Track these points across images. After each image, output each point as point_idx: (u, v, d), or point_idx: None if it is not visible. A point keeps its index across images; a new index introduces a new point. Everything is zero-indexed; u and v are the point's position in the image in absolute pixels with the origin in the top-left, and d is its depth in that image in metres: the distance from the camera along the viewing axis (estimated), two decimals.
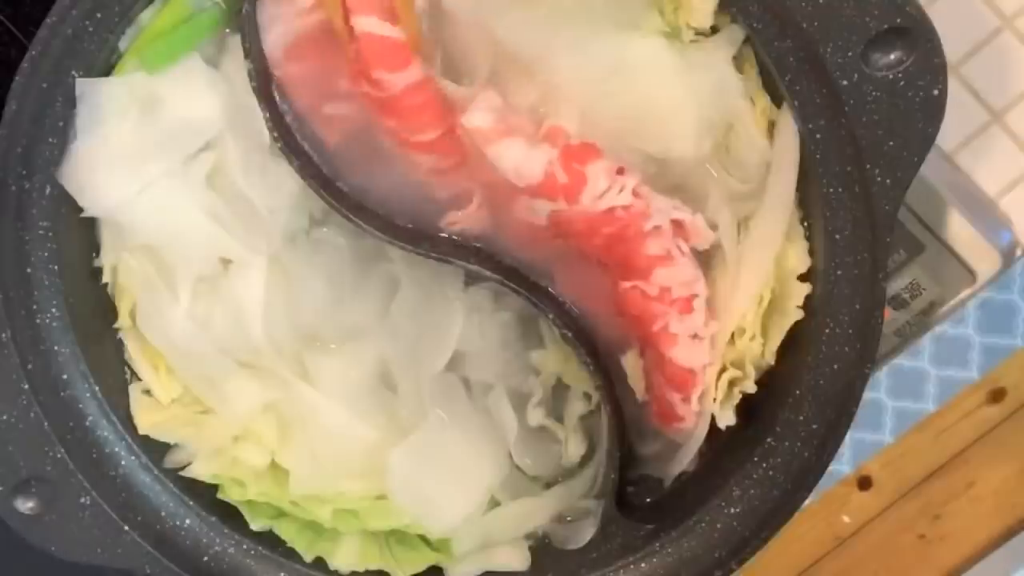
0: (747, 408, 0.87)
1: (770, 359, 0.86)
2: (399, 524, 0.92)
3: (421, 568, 0.92)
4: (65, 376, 0.87)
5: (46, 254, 0.85)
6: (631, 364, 0.88)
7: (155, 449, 0.91)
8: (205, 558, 0.90)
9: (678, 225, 0.83)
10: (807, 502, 0.85)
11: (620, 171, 0.81)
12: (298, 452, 0.91)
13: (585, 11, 0.82)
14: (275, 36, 0.83)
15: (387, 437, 0.91)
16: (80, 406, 0.88)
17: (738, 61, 0.82)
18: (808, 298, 0.83)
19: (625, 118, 0.83)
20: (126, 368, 0.91)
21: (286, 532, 0.91)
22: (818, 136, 0.79)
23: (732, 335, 0.86)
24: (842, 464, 1.25)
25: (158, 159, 0.84)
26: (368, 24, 0.80)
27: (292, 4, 0.82)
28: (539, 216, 0.84)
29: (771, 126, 0.83)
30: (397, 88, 0.81)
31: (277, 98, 0.84)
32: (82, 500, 0.87)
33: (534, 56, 0.83)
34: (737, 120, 0.83)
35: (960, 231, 0.94)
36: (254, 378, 0.90)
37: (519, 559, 0.92)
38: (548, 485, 0.93)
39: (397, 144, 0.84)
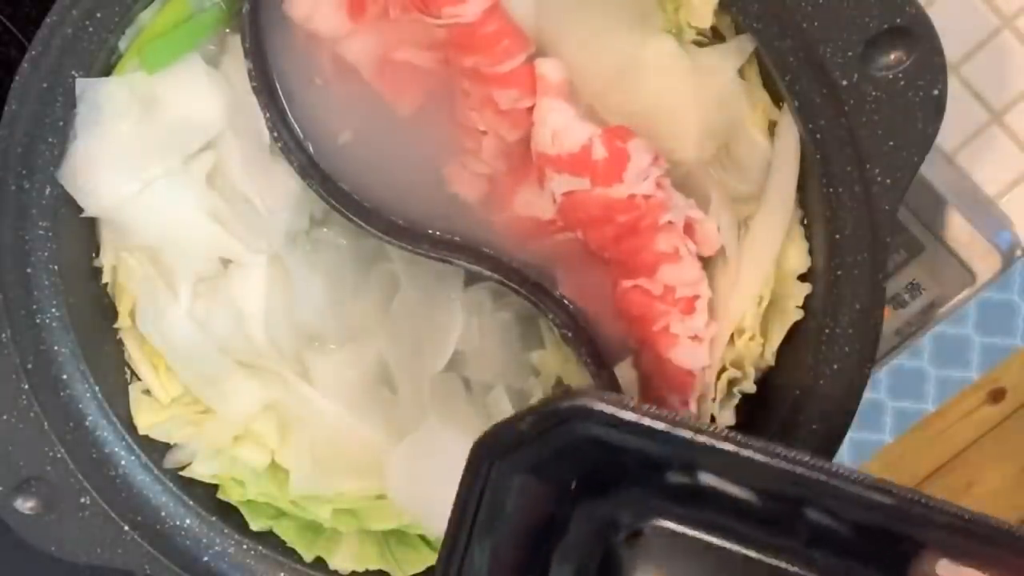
0: (747, 408, 0.87)
1: (770, 359, 0.86)
2: (399, 524, 0.92)
3: (421, 568, 0.93)
4: (65, 376, 0.88)
5: (46, 254, 0.86)
6: (625, 375, 0.88)
7: (155, 449, 0.91)
8: (205, 558, 0.91)
9: (689, 225, 0.83)
10: None
11: (656, 159, 0.82)
12: (298, 452, 0.91)
13: (601, 2, 0.83)
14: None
15: (387, 437, 0.91)
16: (80, 406, 0.88)
17: (741, 67, 0.83)
18: (808, 298, 0.84)
19: (631, 115, 0.83)
20: (126, 368, 0.91)
21: (286, 532, 0.92)
22: (818, 136, 0.79)
23: (732, 335, 0.86)
24: None
25: (158, 159, 0.85)
26: None
27: None
28: (545, 208, 0.84)
29: (771, 126, 0.83)
30: (470, 16, 0.80)
31: (282, 94, 0.85)
32: (82, 500, 0.88)
33: (548, 41, 0.83)
34: (739, 122, 0.83)
35: (960, 231, 0.94)
36: (254, 378, 0.91)
37: None
38: None
39: (478, 83, 0.83)
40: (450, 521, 0.75)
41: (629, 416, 0.70)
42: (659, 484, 0.78)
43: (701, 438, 0.70)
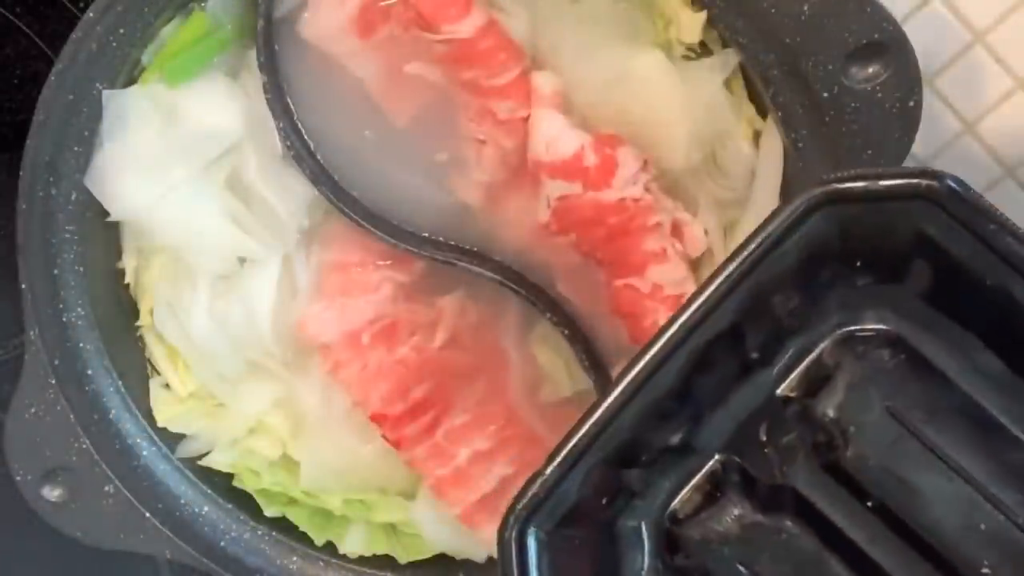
0: None
1: None
2: (402, 518, 0.94)
3: (427, 555, 0.94)
4: (90, 371, 0.90)
5: (72, 256, 0.88)
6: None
7: (174, 440, 0.93)
8: (222, 543, 0.93)
9: (676, 226, 0.86)
10: None
11: (644, 165, 0.84)
12: (307, 448, 0.93)
13: (594, 18, 0.85)
14: (335, 11, 0.85)
15: None
16: (104, 400, 0.91)
17: (727, 79, 0.85)
18: None
19: (622, 125, 0.85)
20: (147, 364, 0.94)
21: (298, 518, 0.94)
22: (800, 145, 0.82)
23: None
24: None
25: (180, 165, 0.87)
26: None
27: None
28: (541, 212, 0.86)
29: (756, 136, 0.85)
30: (467, 33, 0.83)
31: (293, 108, 0.87)
32: (106, 488, 0.90)
33: (543, 54, 0.86)
34: (725, 132, 0.85)
35: None
36: (264, 377, 0.93)
37: None
38: None
39: (476, 95, 0.85)
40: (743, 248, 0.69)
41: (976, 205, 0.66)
42: (941, 297, 0.73)
43: None
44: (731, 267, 0.68)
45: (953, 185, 0.66)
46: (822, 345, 0.75)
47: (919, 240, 0.69)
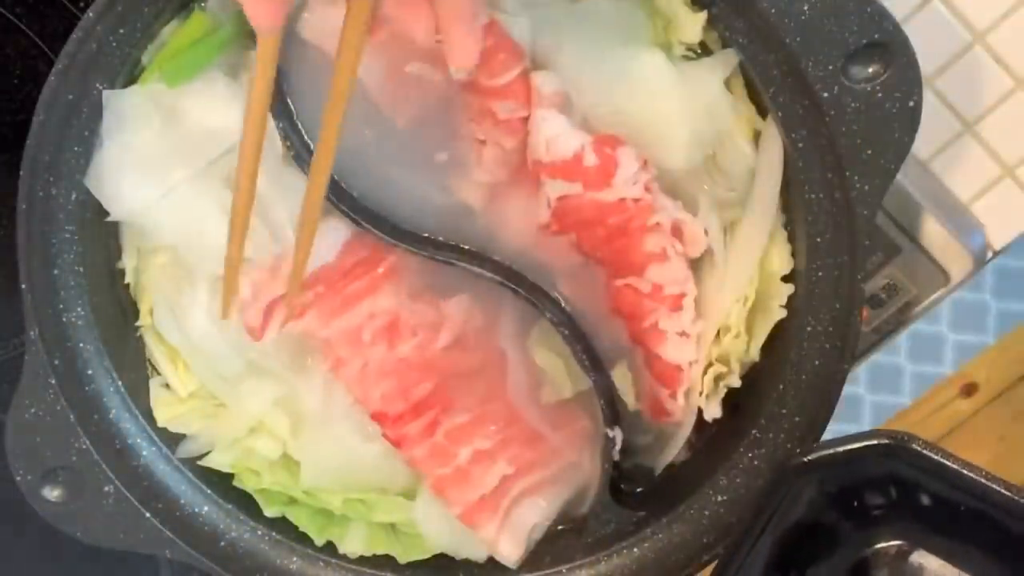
0: (733, 401, 0.89)
1: (755, 355, 0.89)
2: (403, 518, 0.94)
3: (427, 555, 0.95)
4: (89, 372, 0.90)
5: (72, 256, 0.88)
6: (620, 377, 0.91)
7: (174, 440, 0.93)
8: (222, 543, 0.93)
9: (676, 226, 0.86)
10: None
11: (644, 164, 0.84)
12: (308, 447, 0.93)
13: (594, 18, 0.85)
14: (336, 11, 0.83)
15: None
16: (104, 400, 0.91)
17: (727, 79, 0.85)
18: (791, 298, 0.86)
19: (623, 126, 0.85)
20: (147, 364, 0.93)
21: (298, 518, 0.94)
22: (800, 145, 0.82)
23: (718, 333, 0.88)
24: None
25: (180, 165, 0.87)
26: None
27: None
28: (541, 212, 0.87)
29: (756, 135, 0.86)
30: None
31: (293, 108, 0.86)
32: (106, 489, 0.90)
33: (544, 55, 0.86)
34: (725, 132, 0.86)
35: (934, 234, 0.96)
36: (264, 377, 0.93)
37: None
38: None
39: (476, 95, 0.85)
40: (749, 525, 0.81)
41: (936, 459, 0.77)
42: (933, 519, 0.83)
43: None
44: (750, 538, 0.81)
45: (903, 444, 0.78)
46: (854, 561, 0.86)
47: (895, 479, 0.81)
